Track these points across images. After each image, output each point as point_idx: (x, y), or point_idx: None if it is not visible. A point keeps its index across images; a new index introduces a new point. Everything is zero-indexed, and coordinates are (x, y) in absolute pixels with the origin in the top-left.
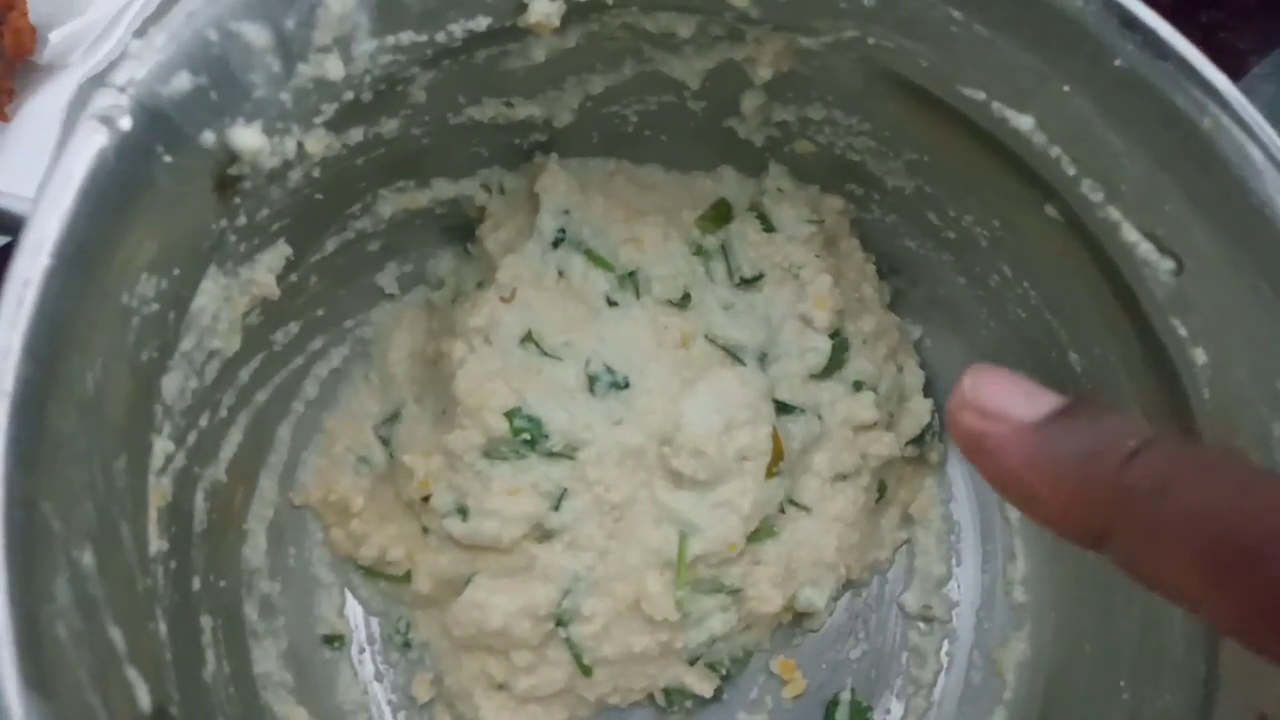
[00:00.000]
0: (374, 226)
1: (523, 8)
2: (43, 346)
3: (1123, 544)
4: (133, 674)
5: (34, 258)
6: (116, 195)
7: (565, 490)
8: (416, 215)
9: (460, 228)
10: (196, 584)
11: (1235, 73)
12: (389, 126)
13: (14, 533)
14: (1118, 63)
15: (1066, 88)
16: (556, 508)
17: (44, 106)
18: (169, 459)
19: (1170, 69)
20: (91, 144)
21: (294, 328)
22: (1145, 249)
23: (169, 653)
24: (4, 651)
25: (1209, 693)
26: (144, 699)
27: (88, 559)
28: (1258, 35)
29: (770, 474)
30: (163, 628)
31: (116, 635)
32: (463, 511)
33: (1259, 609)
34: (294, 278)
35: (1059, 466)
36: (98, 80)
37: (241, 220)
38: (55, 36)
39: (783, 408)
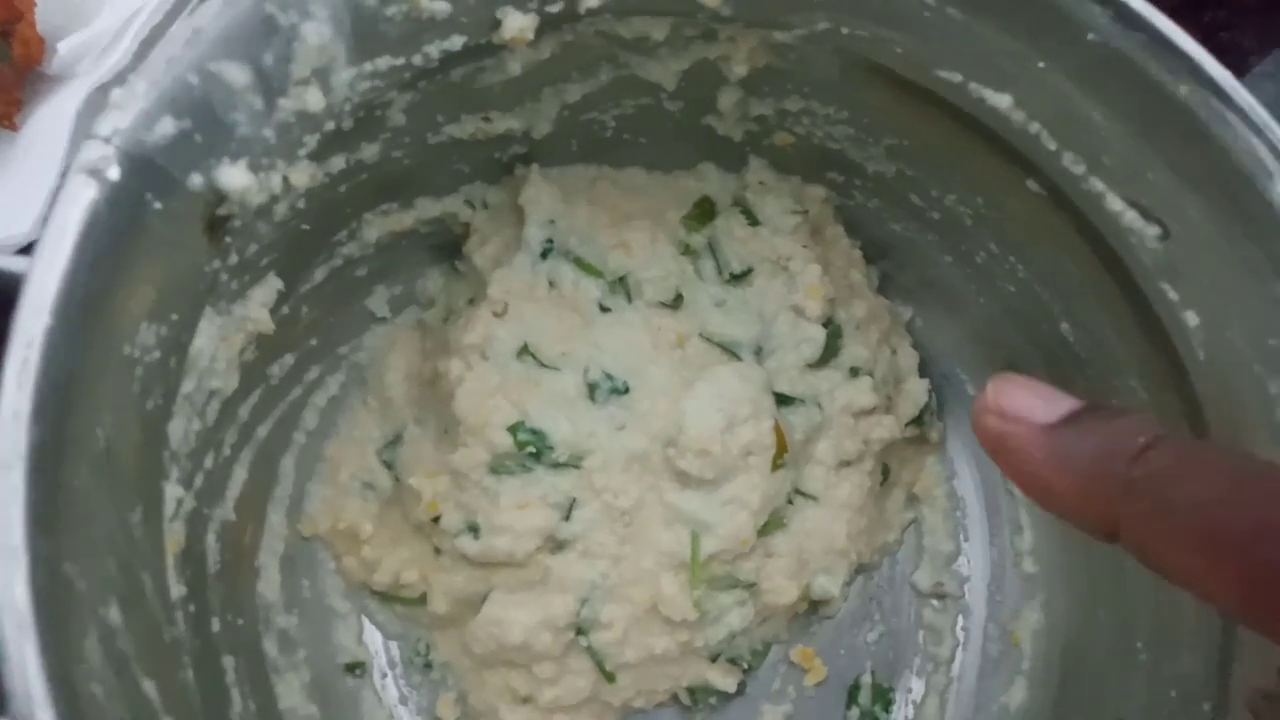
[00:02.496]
0: (361, 251)
1: (496, 24)
2: (51, 406)
3: (1133, 535)
4: None
5: (35, 317)
6: (111, 246)
7: (574, 500)
8: (402, 237)
9: (447, 246)
10: (216, 625)
11: (1237, 71)
12: (370, 152)
13: (40, 596)
14: (1091, 37)
15: (1042, 65)
16: (567, 518)
17: (52, 116)
18: (179, 504)
19: (1143, 39)
20: (82, 197)
21: (289, 359)
22: (1130, 217)
23: (199, 697)
24: (42, 715)
25: (1226, 653)
26: None
27: (114, 615)
28: (1260, 34)
29: (775, 467)
30: (189, 675)
31: (150, 688)
32: (474, 529)
33: (1255, 593)
34: (286, 310)
35: (1074, 463)
36: (105, 90)
37: (233, 259)
38: (63, 46)
39: (782, 399)
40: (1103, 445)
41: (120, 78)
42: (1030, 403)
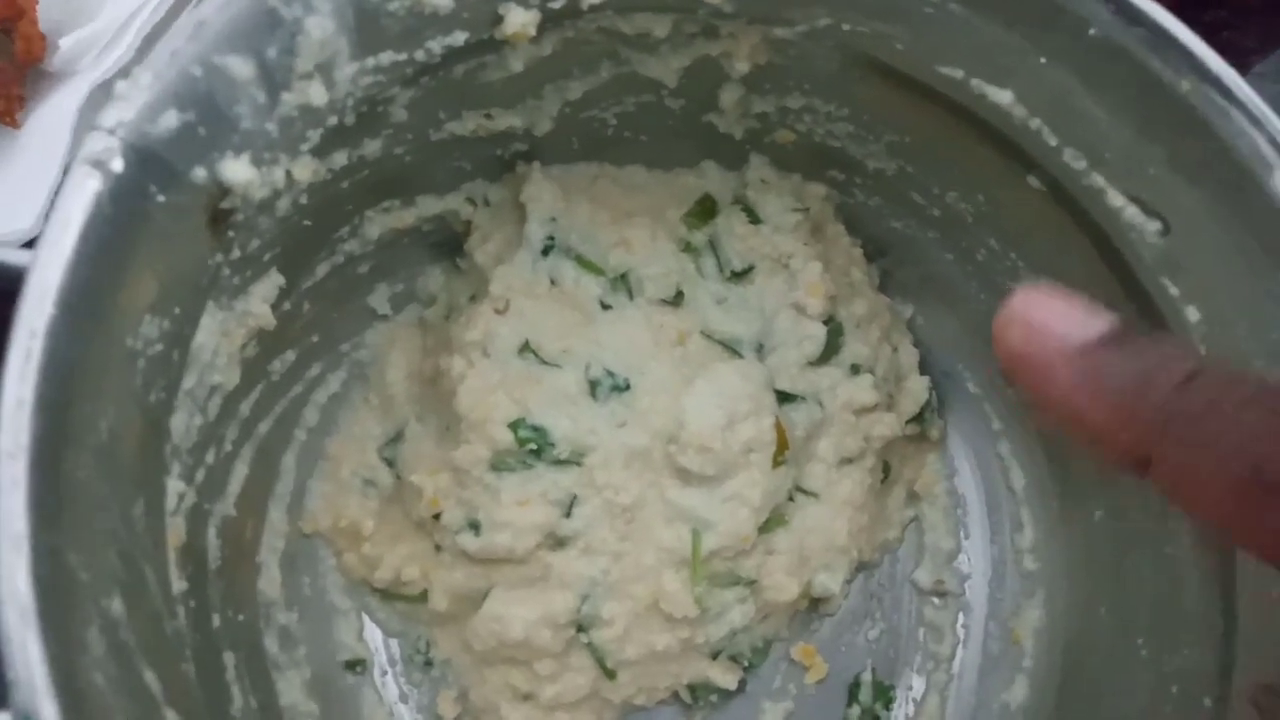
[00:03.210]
0: (363, 248)
1: (499, 20)
2: (54, 397)
3: (1165, 469)
4: (171, 716)
5: (39, 308)
6: (114, 239)
7: (575, 497)
8: (404, 234)
9: (448, 243)
10: (216, 621)
11: (1239, 71)
12: (372, 148)
13: (43, 586)
14: (1093, 32)
15: (1044, 60)
16: (568, 515)
17: (55, 112)
18: (181, 498)
19: (1144, 34)
20: (86, 189)
21: (290, 356)
22: (1131, 212)
23: (199, 692)
24: (45, 705)
25: (1228, 648)
26: None
27: (117, 606)
28: (1261, 33)
29: (776, 464)
30: (190, 667)
31: (151, 679)
32: (475, 526)
33: None
34: (287, 306)
35: (1110, 388)
36: (107, 87)
37: (235, 253)
38: (65, 43)
39: (783, 397)
40: (1143, 371)
41: (123, 73)
42: (1065, 316)
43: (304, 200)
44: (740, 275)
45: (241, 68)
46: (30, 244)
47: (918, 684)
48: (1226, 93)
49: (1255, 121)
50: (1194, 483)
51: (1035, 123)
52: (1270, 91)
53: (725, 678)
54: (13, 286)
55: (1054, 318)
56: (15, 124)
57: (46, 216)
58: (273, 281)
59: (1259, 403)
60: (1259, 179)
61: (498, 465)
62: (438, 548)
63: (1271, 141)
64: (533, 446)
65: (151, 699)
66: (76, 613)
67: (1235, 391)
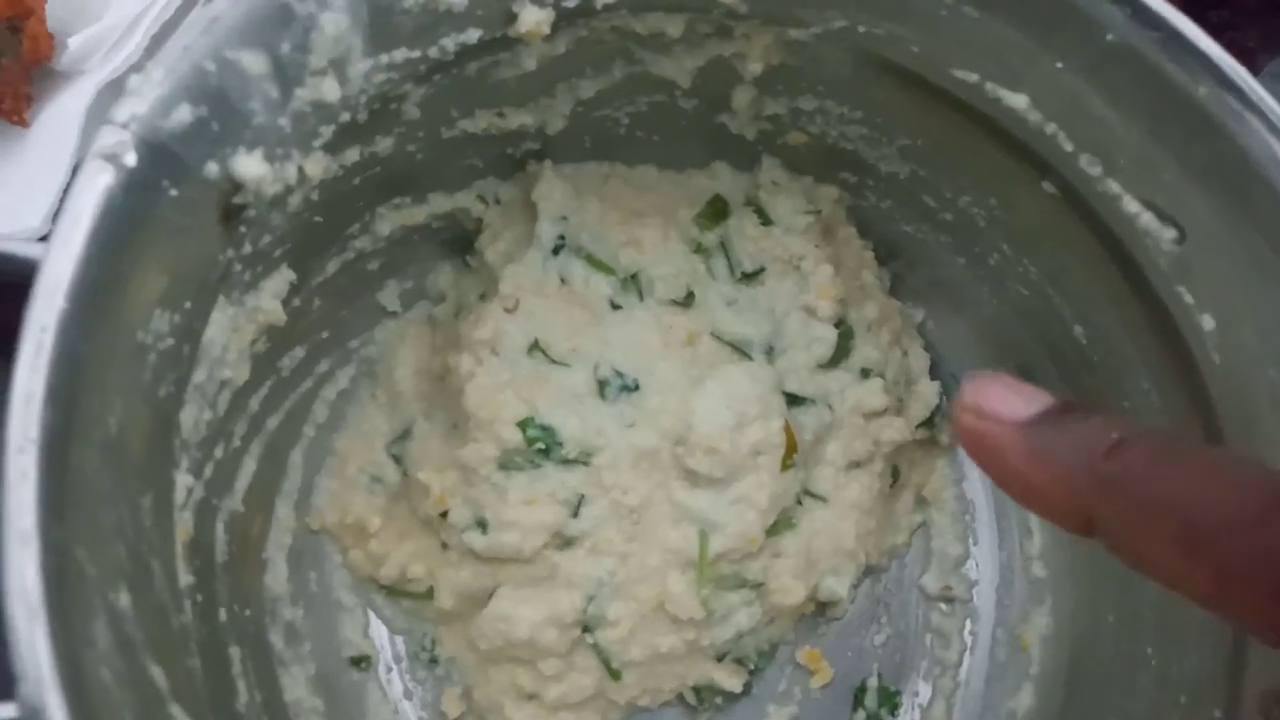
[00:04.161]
0: (373, 245)
1: (513, 17)
2: (64, 390)
3: (1109, 530)
4: (177, 711)
5: (50, 301)
6: (126, 233)
7: (583, 496)
8: (414, 231)
9: (458, 241)
10: (223, 616)
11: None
12: (384, 145)
13: (51, 580)
14: (1109, 37)
15: (1059, 64)
16: (575, 514)
17: (63, 111)
18: (189, 493)
19: (1160, 38)
20: (98, 183)
21: (300, 352)
22: (1147, 219)
23: (205, 687)
24: (51, 698)
25: (1237, 656)
26: None
27: (123, 600)
28: (1267, 34)
29: (785, 466)
30: (196, 662)
31: (157, 674)
32: (482, 525)
33: (1230, 585)
34: (297, 302)
35: (1051, 460)
36: (115, 87)
37: (246, 249)
38: (73, 42)
39: (793, 399)
40: (1078, 441)
41: (135, 68)
42: (1007, 400)
43: (315, 196)
44: (751, 277)
45: (255, 63)
46: (43, 238)
47: (924, 690)
48: (1242, 97)
49: (1271, 126)
50: (1133, 543)
51: (1050, 127)
52: (1278, 92)
53: (730, 680)
54: (25, 280)
55: (1000, 401)
56: (24, 123)
57: (54, 215)
58: (283, 277)
59: (1185, 461)
60: (1274, 184)
61: (505, 464)
62: (444, 546)
63: None
64: (541, 446)
65: (157, 693)
66: (83, 607)
67: (1163, 453)
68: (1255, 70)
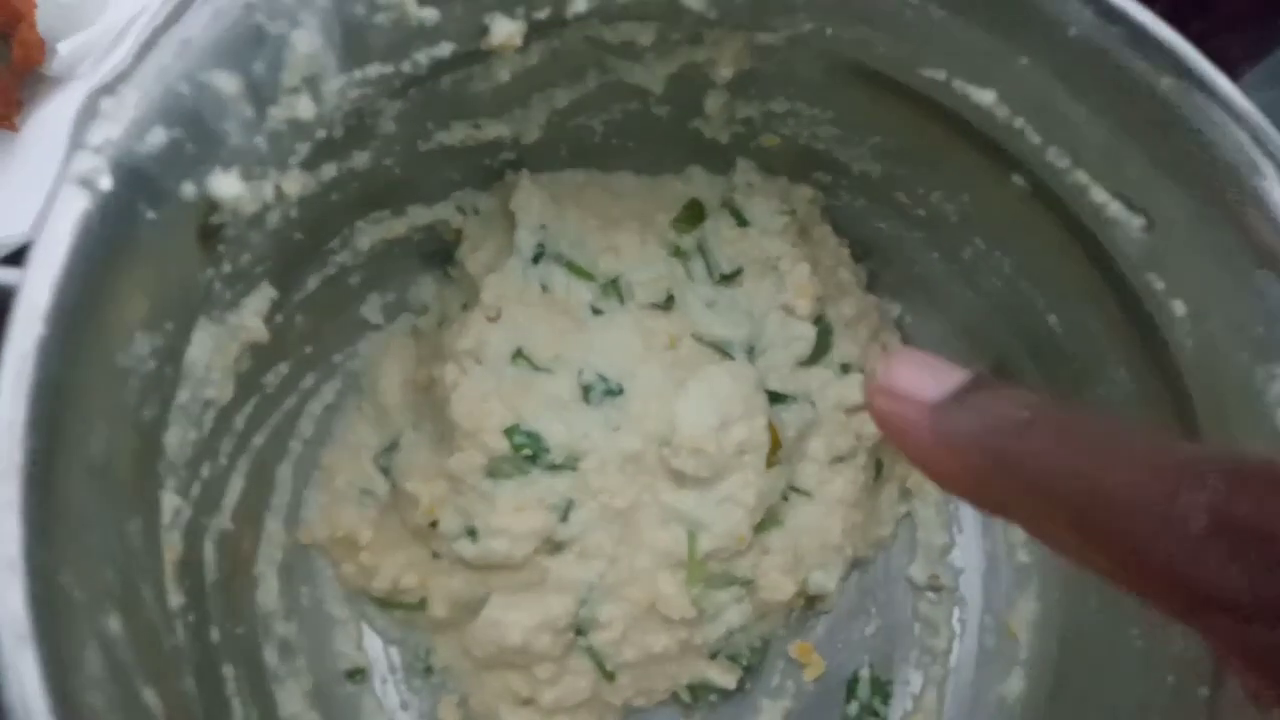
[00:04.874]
0: (354, 259)
1: (485, 31)
2: (47, 416)
3: (1017, 513)
4: None
5: (29, 327)
6: (104, 257)
7: (571, 501)
8: (394, 244)
9: (439, 252)
10: (215, 635)
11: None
12: (361, 160)
13: (39, 607)
14: (1072, 32)
15: (1025, 60)
16: (564, 519)
17: (53, 117)
18: (177, 513)
19: (1123, 33)
20: (74, 208)
21: (284, 368)
22: (1115, 209)
23: (199, 708)
24: None
25: None
26: None
27: (114, 625)
28: (1249, 43)
29: (770, 464)
30: (190, 683)
31: (150, 697)
32: (472, 533)
33: (1131, 568)
34: (279, 319)
35: (958, 441)
36: (100, 94)
37: (226, 268)
38: (64, 48)
39: (775, 397)
40: (985, 422)
41: (121, 78)
42: (919, 379)
43: (294, 213)
44: (729, 278)
45: (228, 83)
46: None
47: (915, 679)
48: (1206, 89)
49: (1236, 117)
50: (1036, 526)
51: (1018, 122)
52: (1259, 100)
53: (724, 677)
54: (2, 306)
55: (910, 379)
56: (13, 128)
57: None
58: (264, 295)
59: (1088, 440)
60: (1240, 175)
61: (493, 472)
62: (435, 555)
63: (1253, 137)
64: (527, 453)
65: (151, 717)
66: (73, 633)
67: (1065, 432)
68: (1236, 79)
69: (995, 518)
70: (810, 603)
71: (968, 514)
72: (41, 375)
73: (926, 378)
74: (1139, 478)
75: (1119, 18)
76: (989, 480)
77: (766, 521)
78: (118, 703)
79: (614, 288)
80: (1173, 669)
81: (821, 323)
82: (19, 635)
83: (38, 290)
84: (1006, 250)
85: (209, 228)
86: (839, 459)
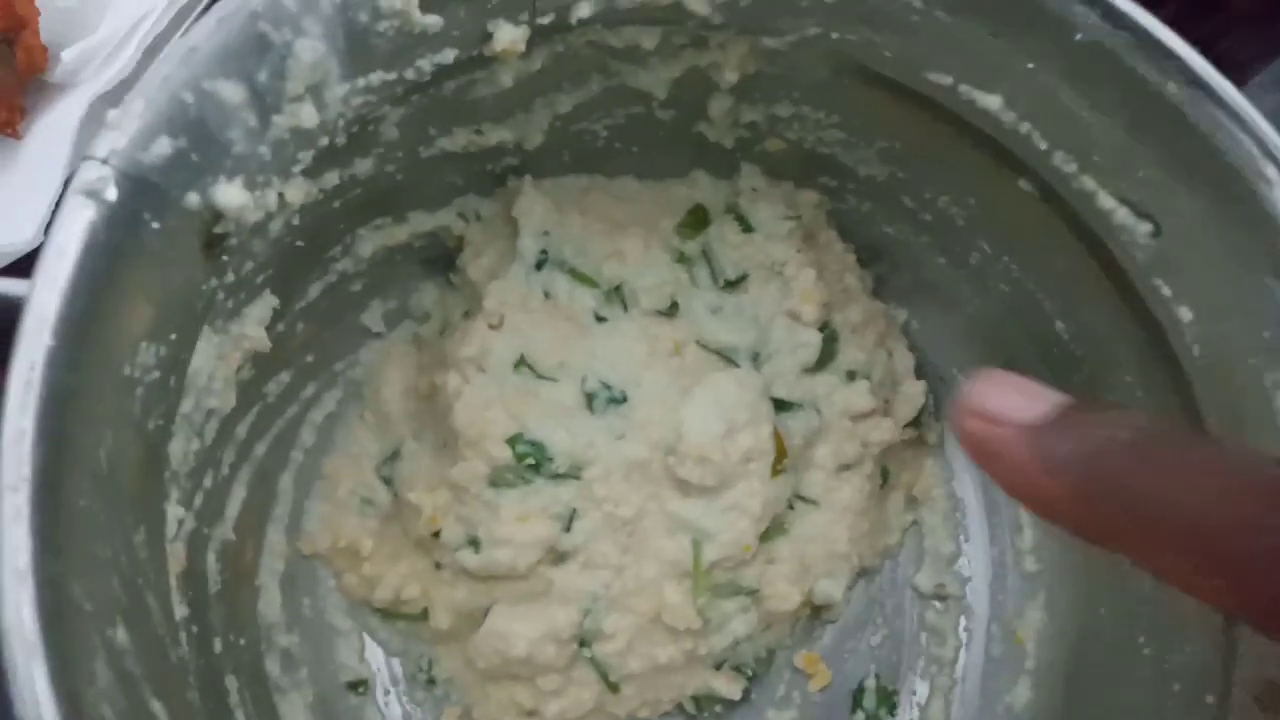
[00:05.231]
0: (355, 267)
1: (488, 36)
2: (54, 427)
3: (1126, 539)
4: None
5: (37, 339)
6: (110, 267)
7: (575, 511)
8: (396, 251)
9: (441, 259)
10: (218, 646)
11: (1237, 82)
12: (363, 167)
13: (48, 618)
14: (1078, 37)
15: (1031, 65)
16: (568, 529)
17: (56, 124)
18: (180, 524)
19: (1130, 38)
20: (80, 218)
21: (285, 377)
22: (1122, 214)
23: (204, 718)
24: None
25: (1229, 644)
26: None
27: (121, 636)
28: (1259, 44)
29: (776, 472)
30: (194, 695)
31: (158, 709)
32: (475, 543)
33: (1237, 590)
34: (281, 327)
35: (1060, 465)
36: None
37: (229, 277)
38: (67, 55)
39: (781, 405)
40: (1088, 444)
41: (125, 86)
42: (1014, 401)
43: (296, 221)
44: (734, 284)
45: (232, 92)
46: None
47: (921, 688)
48: (1213, 95)
49: (1242, 123)
50: (1150, 552)
51: (1025, 127)
52: (1268, 102)
53: (729, 688)
54: (10, 317)
55: (1004, 401)
56: (17, 135)
57: (47, 228)
58: (266, 303)
59: (1200, 464)
60: (1247, 180)
61: (496, 481)
62: (438, 565)
63: (1259, 143)
64: (531, 461)
65: None
66: (82, 644)
67: (1178, 455)
68: (1245, 80)
69: (1099, 546)
70: (816, 612)
71: (975, 522)
72: (50, 386)
73: (1020, 399)
74: (1251, 503)
75: (1125, 23)
76: (1093, 504)
77: (772, 530)
78: (126, 715)
79: (617, 294)
80: (1180, 677)
81: (827, 329)
82: (29, 647)
83: (45, 302)
84: (1014, 254)
85: (213, 237)
86: (845, 467)
